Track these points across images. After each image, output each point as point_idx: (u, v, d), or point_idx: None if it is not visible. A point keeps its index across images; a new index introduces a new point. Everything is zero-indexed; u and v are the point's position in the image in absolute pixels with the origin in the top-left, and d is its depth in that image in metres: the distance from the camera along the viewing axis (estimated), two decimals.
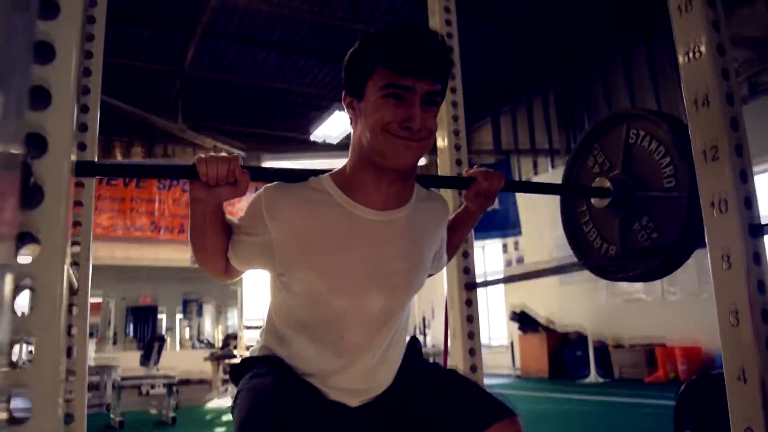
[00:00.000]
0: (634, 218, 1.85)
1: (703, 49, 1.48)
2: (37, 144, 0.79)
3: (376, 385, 1.38)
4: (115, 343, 13.80)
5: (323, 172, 1.34)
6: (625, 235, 1.87)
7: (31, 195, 0.78)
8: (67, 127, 0.79)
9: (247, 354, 1.45)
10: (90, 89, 1.96)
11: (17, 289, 0.81)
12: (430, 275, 1.56)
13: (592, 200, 1.92)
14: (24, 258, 0.84)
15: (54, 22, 0.80)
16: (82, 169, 1.11)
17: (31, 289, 0.82)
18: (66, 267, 0.85)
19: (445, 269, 2.38)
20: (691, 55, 1.51)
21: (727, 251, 1.42)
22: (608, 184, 1.85)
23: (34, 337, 0.82)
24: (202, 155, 1.21)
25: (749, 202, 1.43)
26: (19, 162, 0.73)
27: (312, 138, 10.49)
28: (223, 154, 1.22)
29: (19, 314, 0.83)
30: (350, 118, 1.31)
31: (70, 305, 1.98)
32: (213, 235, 1.29)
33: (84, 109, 1.95)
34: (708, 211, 1.47)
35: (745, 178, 1.44)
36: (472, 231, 2.36)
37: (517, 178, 10.45)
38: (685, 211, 1.70)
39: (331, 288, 1.27)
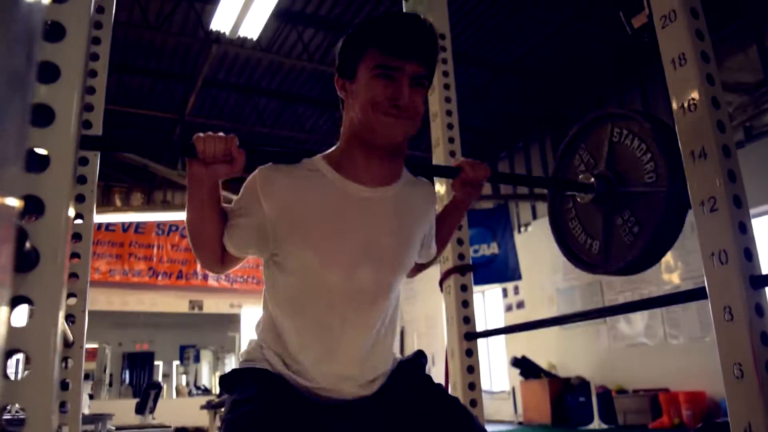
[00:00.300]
0: (616, 213, 1.90)
1: (697, 102, 1.49)
2: (34, 207, 0.79)
3: (371, 367, 1.39)
4: (110, 387, 13.60)
5: (316, 153, 1.41)
6: (608, 230, 1.93)
7: (26, 259, 0.77)
8: (64, 193, 0.79)
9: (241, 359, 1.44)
10: (88, 160, 1.97)
11: (9, 354, 0.80)
12: (422, 267, 1.63)
13: (578, 197, 2.00)
14: (17, 321, 0.83)
15: (53, 85, 0.81)
16: (87, 144, 1.10)
17: (24, 354, 0.81)
18: (59, 330, 0.84)
19: (444, 318, 2.37)
20: (686, 107, 1.53)
21: (729, 303, 1.41)
22: (592, 180, 1.93)
23: (26, 403, 0.80)
24: (200, 134, 1.27)
25: (749, 253, 1.42)
26: (14, 226, 0.72)
27: None
28: (221, 133, 1.28)
29: (11, 378, 0.82)
30: (341, 99, 1.38)
31: (65, 358, 1.95)
32: (210, 218, 1.32)
33: (83, 161, 1.96)
34: (708, 262, 1.46)
35: (744, 229, 1.44)
36: (471, 278, 2.36)
37: (515, 223, 10.46)
38: (664, 204, 1.75)
39: (323, 262, 1.31)
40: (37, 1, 0.39)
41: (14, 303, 0.80)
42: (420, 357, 1.54)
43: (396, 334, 1.48)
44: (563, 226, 2.12)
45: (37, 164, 0.78)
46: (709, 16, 1.60)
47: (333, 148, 1.41)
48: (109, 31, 2.10)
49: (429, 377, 1.47)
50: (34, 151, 0.80)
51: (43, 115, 0.79)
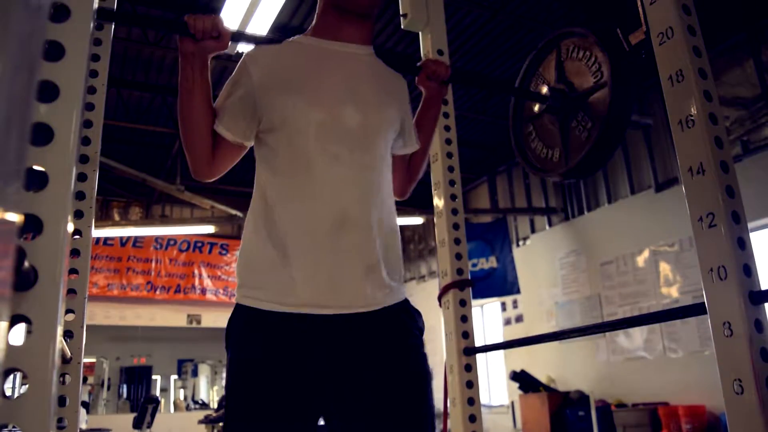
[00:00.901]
0: (571, 117, 2.05)
1: (695, 118, 1.50)
2: (32, 225, 0.79)
3: (363, 260, 1.38)
4: (108, 401, 13.53)
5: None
6: (565, 134, 2.07)
7: (24, 277, 0.77)
8: (63, 211, 0.79)
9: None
10: (89, 158, 1.97)
11: (6, 372, 0.80)
12: (412, 175, 1.71)
13: (535, 108, 2.20)
14: (15, 339, 0.83)
15: (53, 105, 0.81)
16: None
17: (22, 373, 0.80)
18: (58, 348, 0.83)
19: (443, 333, 2.36)
20: (684, 123, 1.53)
21: (728, 319, 1.41)
22: (546, 91, 2.14)
23: (23, 423, 0.80)
24: (191, 14, 1.40)
25: (748, 269, 1.42)
26: (14, 245, 0.72)
27: None
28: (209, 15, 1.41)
29: (9, 397, 0.81)
30: None
31: (63, 374, 1.94)
32: (200, 100, 1.41)
33: (82, 177, 1.96)
34: (707, 278, 1.46)
35: (743, 245, 1.44)
36: (470, 293, 2.35)
37: (514, 237, 10.46)
38: (610, 92, 1.90)
39: (309, 101, 1.40)
40: (38, 21, 0.39)
41: (12, 322, 0.80)
42: (415, 313, 1.52)
43: (395, 232, 1.50)
44: (527, 147, 2.30)
45: (35, 182, 0.79)
46: (705, 31, 1.61)
47: (308, 28, 1.57)
48: (108, 47, 2.11)
49: (419, 348, 1.45)
50: (32, 170, 0.80)
51: (41, 134, 0.79)
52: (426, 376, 1.43)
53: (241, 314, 1.38)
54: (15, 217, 0.41)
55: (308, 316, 1.33)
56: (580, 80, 2.05)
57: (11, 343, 0.82)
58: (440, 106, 1.83)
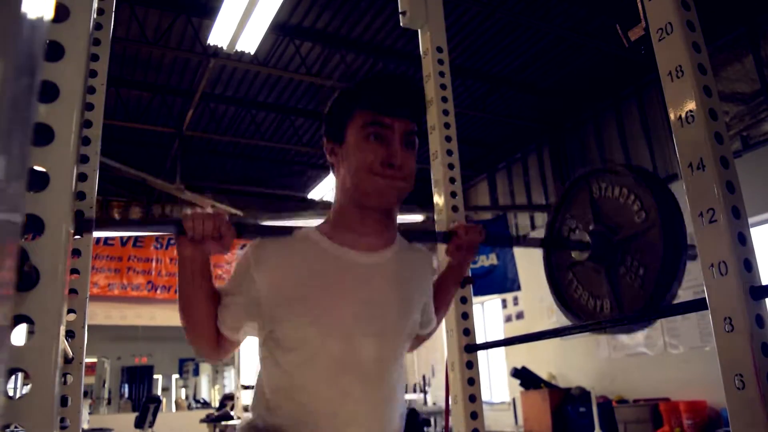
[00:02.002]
0: (618, 264, 1.87)
1: (695, 114, 1.50)
2: (34, 226, 0.79)
3: None
4: (109, 403, 13.54)
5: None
6: (614, 282, 1.89)
7: (26, 277, 0.77)
8: (64, 211, 0.79)
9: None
10: (89, 158, 1.97)
11: (9, 372, 0.80)
12: (422, 338, 1.57)
13: (575, 256, 1.96)
14: (17, 340, 0.83)
15: (53, 105, 0.81)
16: (79, 227, 1.10)
17: (24, 373, 0.80)
18: (60, 349, 0.84)
19: (444, 330, 2.36)
20: (683, 119, 1.53)
21: (729, 314, 1.41)
22: (587, 237, 1.91)
23: (26, 422, 0.80)
24: (188, 211, 1.24)
25: (749, 264, 1.42)
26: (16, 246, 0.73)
27: (310, 196, 10.55)
28: (209, 210, 1.25)
29: (11, 396, 0.81)
30: (332, 164, 1.37)
31: (64, 374, 1.94)
32: (202, 298, 1.28)
33: (82, 177, 1.96)
34: (707, 273, 1.46)
35: (743, 240, 1.44)
36: (471, 290, 2.35)
37: (514, 234, 10.46)
38: (661, 235, 1.72)
39: (322, 332, 1.26)
40: (40, 21, 0.39)
41: (14, 322, 0.80)
42: (415, 417, 1.49)
43: (402, 406, 1.40)
44: (568, 297, 2.08)
45: (36, 183, 0.79)
46: (705, 26, 1.60)
47: (326, 218, 1.38)
48: (108, 47, 2.10)
49: None
50: (33, 170, 0.80)
51: (42, 135, 0.79)
52: None
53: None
54: (17, 218, 0.41)
55: None
56: (622, 221, 1.86)
57: (13, 343, 0.82)
58: (465, 271, 1.67)
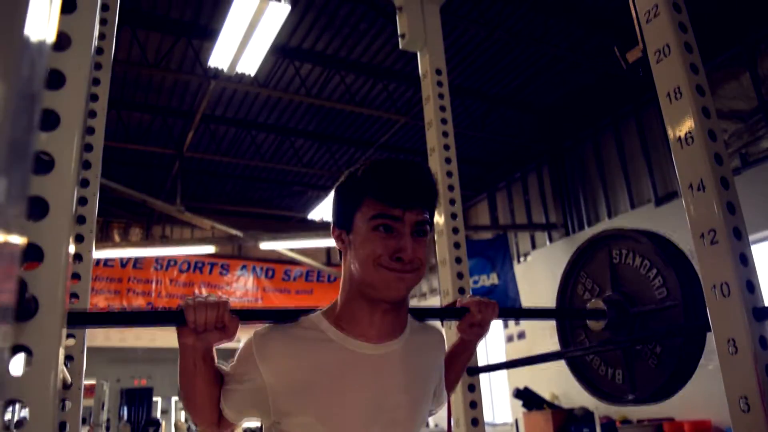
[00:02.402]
0: (635, 341, 1.82)
1: (694, 135, 1.50)
2: (33, 254, 0.78)
3: None
4: (108, 428, 13.41)
5: (314, 310, 1.32)
6: (629, 356, 1.83)
7: (24, 307, 0.77)
8: (64, 240, 0.79)
9: None
10: (89, 181, 1.97)
11: (7, 403, 0.79)
12: (431, 414, 1.50)
13: (590, 325, 1.89)
14: (15, 370, 0.82)
15: (53, 133, 0.81)
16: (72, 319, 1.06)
17: (22, 404, 0.79)
18: (59, 378, 0.83)
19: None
20: (683, 140, 1.53)
21: (733, 336, 1.40)
22: (602, 305, 1.84)
23: None
24: (190, 301, 1.18)
25: (751, 285, 1.42)
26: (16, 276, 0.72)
27: (310, 217, 10.56)
28: (212, 298, 1.19)
29: (8, 427, 0.80)
30: (340, 250, 1.31)
31: (63, 400, 1.93)
32: (203, 384, 1.24)
33: (82, 201, 1.96)
34: (710, 295, 1.45)
35: (745, 261, 1.43)
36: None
37: (514, 253, 10.45)
38: (682, 316, 1.68)
39: (329, 427, 1.21)
40: (41, 49, 0.39)
41: (12, 352, 0.79)
42: None
43: None
44: (580, 361, 2.03)
45: (36, 211, 0.78)
46: (701, 45, 1.61)
47: (332, 303, 1.33)
48: (109, 71, 2.12)
49: None
50: (32, 198, 0.80)
51: (42, 163, 0.79)
52: None
53: None
54: (17, 247, 0.40)
55: None
56: (640, 293, 1.80)
57: (12, 373, 0.81)
58: (477, 345, 1.59)
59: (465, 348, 1.55)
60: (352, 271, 1.25)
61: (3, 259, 0.38)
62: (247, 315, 1.28)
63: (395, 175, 1.24)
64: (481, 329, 1.49)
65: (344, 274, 1.29)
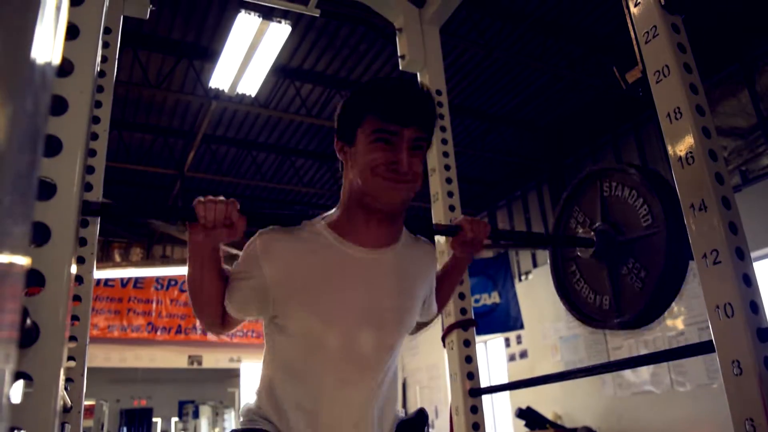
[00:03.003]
0: (620, 263, 1.90)
1: (695, 155, 1.50)
2: (35, 280, 0.78)
3: (367, 425, 1.36)
4: None
5: (316, 215, 1.42)
6: (615, 281, 1.91)
7: (25, 334, 0.76)
8: (65, 265, 0.79)
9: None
10: (87, 222, 1.97)
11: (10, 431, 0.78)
12: (422, 325, 1.62)
13: (579, 252, 2.00)
14: (15, 397, 0.81)
15: (55, 159, 0.81)
16: (87, 210, 1.09)
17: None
18: (59, 405, 0.82)
19: (448, 373, 2.33)
20: (683, 159, 1.54)
21: (737, 357, 1.39)
22: (591, 234, 1.96)
23: None
24: (201, 198, 1.26)
25: (755, 306, 1.41)
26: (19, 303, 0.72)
27: None
28: (221, 198, 1.27)
29: None
30: (341, 162, 1.41)
31: (63, 423, 1.92)
32: (210, 281, 1.32)
33: (83, 223, 1.96)
34: (713, 315, 1.45)
35: (748, 281, 1.43)
36: (474, 333, 2.33)
37: (516, 271, 10.42)
38: (666, 243, 1.75)
39: (324, 324, 1.30)
40: (46, 78, 0.39)
41: (13, 379, 0.78)
42: (422, 416, 1.51)
43: (397, 390, 1.47)
44: (570, 289, 2.12)
45: (38, 237, 0.78)
46: (699, 62, 1.62)
47: (333, 211, 1.42)
48: (111, 94, 2.13)
49: None
50: (34, 224, 0.79)
51: (44, 189, 0.79)
52: None
53: None
54: (20, 274, 0.40)
55: None
56: (628, 222, 1.90)
57: (11, 400, 0.80)
58: (469, 263, 1.69)
59: (457, 266, 1.65)
60: (352, 181, 1.35)
61: (7, 285, 0.38)
62: (253, 216, 1.36)
63: (395, 95, 1.33)
64: (473, 248, 1.58)
65: (344, 186, 1.40)
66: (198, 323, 10.66)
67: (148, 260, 11.09)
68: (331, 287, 1.33)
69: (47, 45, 0.39)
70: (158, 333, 11.65)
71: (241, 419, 1.42)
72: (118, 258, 11.38)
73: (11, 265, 0.37)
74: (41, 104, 0.40)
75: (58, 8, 0.43)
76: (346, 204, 1.38)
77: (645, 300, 1.81)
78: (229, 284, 1.36)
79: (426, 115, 1.33)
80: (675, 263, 1.75)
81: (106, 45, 2.14)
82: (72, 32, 0.88)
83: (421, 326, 1.64)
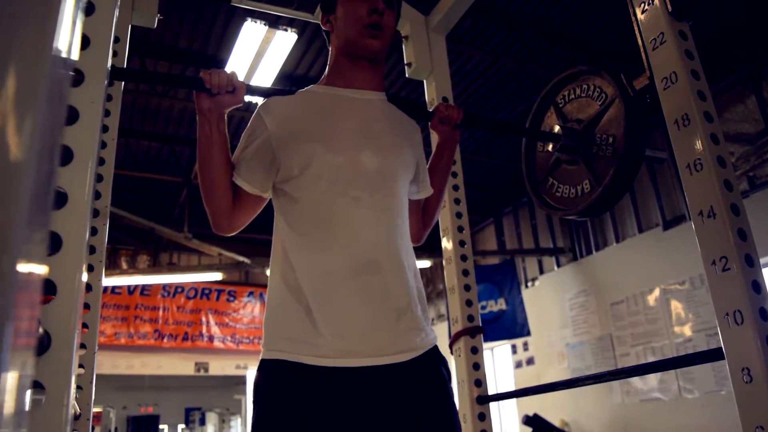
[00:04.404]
0: (590, 145, 1.99)
1: (703, 162, 1.50)
2: (47, 289, 0.78)
3: (393, 302, 1.35)
4: None
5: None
6: (590, 162, 1.99)
7: (38, 343, 0.76)
8: (77, 274, 0.79)
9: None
10: (99, 212, 1.98)
11: None
12: (426, 222, 1.73)
13: (548, 148, 2.17)
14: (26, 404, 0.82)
15: (67, 168, 0.82)
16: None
17: None
18: (71, 413, 0.82)
19: (455, 380, 2.32)
20: (692, 166, 1.53)
21: (747, 365, 1.38)
22: (557, 129, 2.10)
23: None
24: (206, 70, 1.42)
25: (765, 313, 1.40)
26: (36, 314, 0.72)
27: None
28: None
29: None
30: (327, 33, 1.61)
31: (73, 431, 1.92)
32: (218, 153, 1.42)
33: (92, 231, 1.96)
34: (723, 323, 1.44)
35: (758, 288, 1.42)
36: (481, 341, 2.32)
37: (522, 278, 10.40)
38: (622, 103, 1.87)
39: (326, 146, 1.40)
40: (63, 89, 0.40)
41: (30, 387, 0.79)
42: (445, 362, 1.48)
43: (416, 269, 1.48)
44: (553, 201, 2.18)
45: (50, 246, 0.78)
46: (706, 68, 1.62)
47: (322, 76, 1.60)
48: (119, 103, 2.14)
49: (450, 396, 1.43)
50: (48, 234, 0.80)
51: (57, 198, 0.79)
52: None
53: (270, 369, 1.32)
54: (38, 283, 0.41)
55: (340, 370, 1.28)
56: (586, 112, 2.05)
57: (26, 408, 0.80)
58: (454, 151, 1.81)
59: (441, 148, 1.78)
60: (338, 39, 1.55)
61: (27, 293, 0.39)
62: (252, 87, 1.54)
63: None
64: (450, 129, 1.75)
65: (331, 50, 1.60)
66: (205, 329, 10.61)
67: (154, 267, 11.12)
68: (328, 121, 1.47)
69: (65, 56, 0.39)
70: (165, 340, 11.66)
71: (262, 344, 1.39)
72: (125, 265, 11.41)
73: (30, 273, 0.37)
74: (59, 115, 0.41)
75: (74, 20, 0.43)
76: (333, 61, 1.58)
77: (618, 157, 1.88)
78: (236, 157, 1.47)
79: None
80: (637, 115, 1.86)
81: (114, 54, 2.16)
82: (83, 42, 0.89)
83: (425, 223, 1.72)
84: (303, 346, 1.30)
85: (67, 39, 0.40)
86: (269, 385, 1.31)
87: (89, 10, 0.89)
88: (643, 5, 1.69)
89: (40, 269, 0.40)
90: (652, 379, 8.14)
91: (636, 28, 1.76)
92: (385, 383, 1.30)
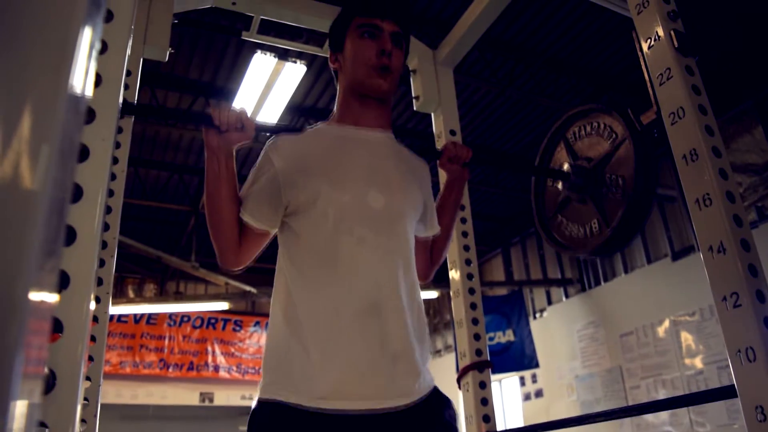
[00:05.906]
0: (599, 184, 2.01)
1: (712, 197, 1.49)
2: (53, 328, 0.78)
3: (394, 350, 1.32)
4: None
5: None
6: (599, 203, 2.00)
7: (43, 383, 0.76)
8: (84, 313, 0.79)
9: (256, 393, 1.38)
10: (107, 243, 1.98)
11: None
12: (433, 261, 1.71)
13: (558, 185, 2.17)
14: None
15: (77, 206, 0.82)
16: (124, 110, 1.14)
17: None
18: None
19: (463, 414, 2.29)
20: (701, 202, 1.53)
21: (761, 403, 1.36)
22: (566, 166, 2.11)
23: None
24: (215, 105, 1.43)
25: None
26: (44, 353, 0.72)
27: None
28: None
29: None
30: (335, 71, 1.61)
31: None
32: (225, 190, 1.42)
33: (100, 263, 1.96)
34: (735, 360, 1.42)
35: None
36: (489, 375, 2.30)
37: (530, 309, 10.33)
38: (632, 145, 1.88)
39: (332, 183, 1.40)
40: (78, 125, 0.40)
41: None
42: (449, 403, 1.46)
43: (422, 311, 1.47)
44: (562, 238, 2.19)
45: (58, 284, 0.78)
46: (712, 99, 1.62)
47: (330, 115, 1.60)
48: (129, 135, 2.16)
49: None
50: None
51: (65, 234, 0.79)
52: None
53: (265, 409, 1.31)
54: (46, 322, 0.41)
55: (338, 417, 1.25)
56: (596, 150, 2.05)
57: None
58: (462, 189, 1.81)
59: (450, 187, 1.77)
60: (345, 79, 1.56)
61: (35, 333, 0.39)
62: (261, 125, 1.56)
63: None
64: (459, 167, 1.75)
65: (339, 89, 1.60)
66: (210, 359, 10.54)
67: (161, 296, 11.11)
68: (335, 158, 1.46)
69: (79, 95, 0.40)
70: (170, 369, 11.60)
71: (259, 387, 1.37)
72: (131, 294, 11.40)
73: (41, 310, 0.37)
74: (72, 154, 0.41)
75: (89, 59, 0.43)
76: (341, 100, 1.58)
77: (628, 201, 1.89)
78: (243, 193, 1.47)
79: (402, 10, 1.56)
80: (645, 158, 1.87)
81: (126, 87, 2.18)
82: (96, 80, 0.90)
83: (432, 261, 1.70)
84: (301, 385, 1.28)
85: (81, 78, 0.40)
86: (263, 427, 1.32)
87: (103, 49, 0.90)
88: (649, 40, 1.70)
89: (51, 304, 0.40)
90: (664, 412, 8.01)
91: (642, 63, 1.76)
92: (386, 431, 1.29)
